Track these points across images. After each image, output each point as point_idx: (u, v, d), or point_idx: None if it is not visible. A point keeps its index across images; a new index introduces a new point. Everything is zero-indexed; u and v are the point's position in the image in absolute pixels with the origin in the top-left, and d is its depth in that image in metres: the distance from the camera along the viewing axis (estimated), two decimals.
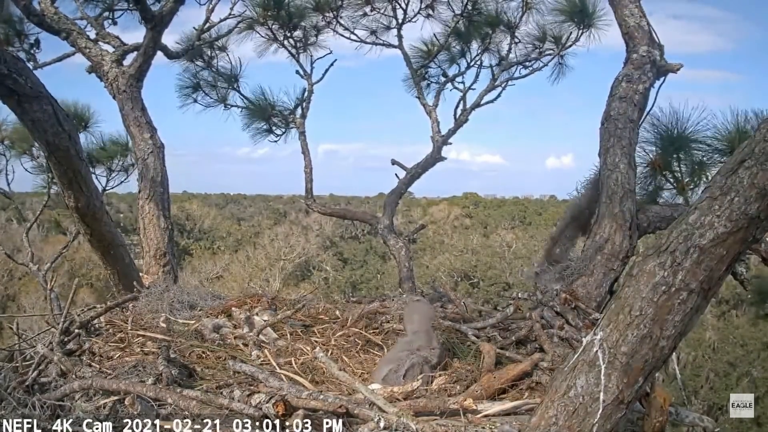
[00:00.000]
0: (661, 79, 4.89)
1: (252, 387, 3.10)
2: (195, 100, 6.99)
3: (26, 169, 7.19)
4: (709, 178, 4.42)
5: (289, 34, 6.69)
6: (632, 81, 4.73)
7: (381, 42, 6.90)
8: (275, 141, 6.86)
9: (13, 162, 7.25)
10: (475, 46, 6.85)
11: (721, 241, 2.33)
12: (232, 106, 6.96)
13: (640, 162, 4.76)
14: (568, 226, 4.84)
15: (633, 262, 4.25)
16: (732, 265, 2.38)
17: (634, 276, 2.52)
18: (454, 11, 6.62)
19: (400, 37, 6.79)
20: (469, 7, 6.55)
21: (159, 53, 6.01)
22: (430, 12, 6.71)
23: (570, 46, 6.53)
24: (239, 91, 6.92)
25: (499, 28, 6.65)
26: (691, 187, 4.75)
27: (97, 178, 7.13)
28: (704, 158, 4.72)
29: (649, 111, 4.82)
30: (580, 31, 6.32)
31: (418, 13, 6.70)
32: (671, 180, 4.88)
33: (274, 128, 6.85)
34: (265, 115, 6.79)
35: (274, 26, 6.57)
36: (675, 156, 4.80)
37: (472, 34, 6.74)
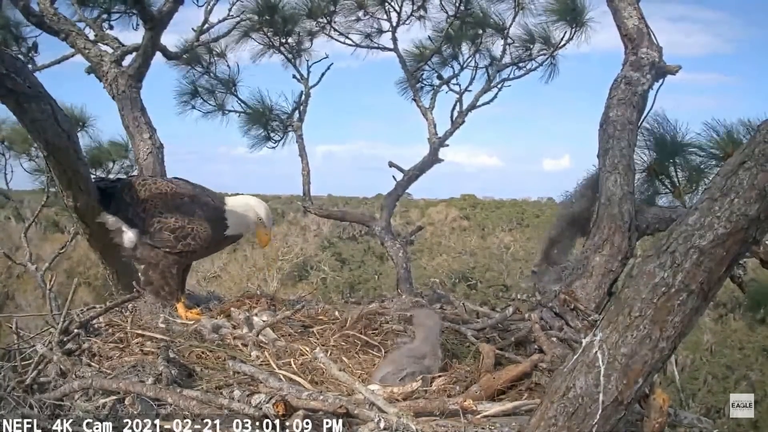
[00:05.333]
0: (660, 80, 4.91)
1: (252, 387, 3.10)
2: (194, 107, 6.98)
3: (25, 170, 7.21)
4: (706, 183, 4.45)
5: (284, 40, 6.69)
6: (631, 83, 4.74)
7: (376, 45, 6.90)
8: (273, 147, 6.87)
9: (12, 161, 7.28)
10: (465, 47, 6.86)
11: (721, 243, 2.33)
12: (230, 111, 6.96)
13: (637, 168, 4.77)
14: (567, 228, 4.84)
15: (633, 263, 4.27)
16: (732, 266, 2.39)
17: (634, 277, 2.52)
18: (447, 12, 6.63)
19: (394, 39, 6.79)
20: (462, 8, 6.55)
21: (158, 54, 6.00)
22: (422, 13, 6.71)
23: (562, 46, 6.54)
24: (237, 96, 6.92)
25: (487, 29, 6.65)
26: (688, 192, 4.77)
27: None
28: (701, 164, 4.74)
29: (648, 113, 4.84)
30: (573, 30, 6.33)
31: (411, 14, 6.71)
32: (668, 185, 4.90)
33: (272, 134, 6.85)
34: (263, 121, 6.78)
35: (269, 32, 6.57)
36: (671, 161, 4.81)
37: (462, 35, 6.74)
